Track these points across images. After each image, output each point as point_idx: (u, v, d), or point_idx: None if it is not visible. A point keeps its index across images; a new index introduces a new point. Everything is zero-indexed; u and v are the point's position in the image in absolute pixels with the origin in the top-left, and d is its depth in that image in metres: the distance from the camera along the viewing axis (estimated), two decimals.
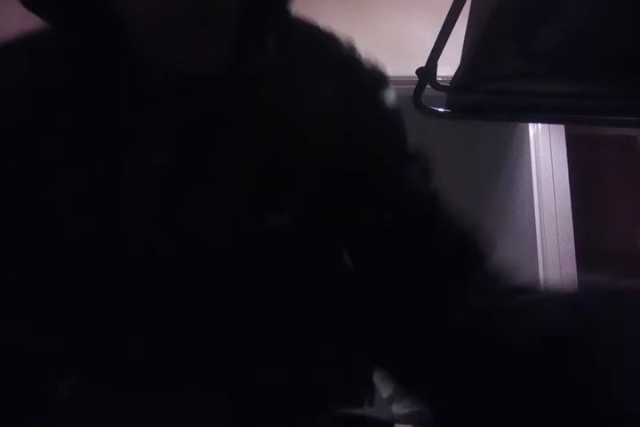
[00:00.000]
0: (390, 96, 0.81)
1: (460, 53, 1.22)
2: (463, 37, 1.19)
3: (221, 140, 0.72)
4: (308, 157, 0.73)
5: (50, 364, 0.69)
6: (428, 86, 1.28)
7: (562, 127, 2.93)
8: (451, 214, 0.77)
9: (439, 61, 1.24)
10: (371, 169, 0.76)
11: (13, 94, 0.75)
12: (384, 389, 0.74)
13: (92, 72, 0.73)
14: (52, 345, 0.69)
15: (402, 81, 0.82)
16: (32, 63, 0.76)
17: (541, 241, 2.87)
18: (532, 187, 2.94)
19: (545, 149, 2.95)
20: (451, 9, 1.14)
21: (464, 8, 1.13)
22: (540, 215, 2.90)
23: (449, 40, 1.19)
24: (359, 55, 0.81)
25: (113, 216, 0.70)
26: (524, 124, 2.96)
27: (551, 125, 2.89)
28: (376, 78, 0.81)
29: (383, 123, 0.79)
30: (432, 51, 1.23)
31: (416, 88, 1.26)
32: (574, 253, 2.85)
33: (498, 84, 1.25)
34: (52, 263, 0.71)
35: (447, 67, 1.25)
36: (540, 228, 2.89)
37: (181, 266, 0.70)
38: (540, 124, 2.91)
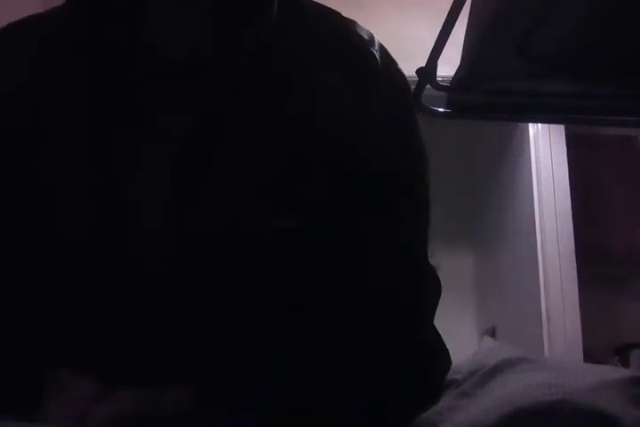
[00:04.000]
0: (406, 98, 0.80)
1: (460, 53, 1.22)
2: (463, 37, 1.19)
3: (228, 139, 0.72)
4: (319, 156, 0.72)
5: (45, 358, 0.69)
6: (428, 86, 1.28)
7: (562, 127, 2.92)
8: None
9: (439, 61, 1.24)
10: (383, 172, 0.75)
11: (22, 80, 0.75)
12: None
13: (99, 56, 0.74)
14: (50, 344, 0.70)
15: None
16: (40, 47, 0.77)
17: (541, 241, 2.87)
18: (532, 187, 2.94)
19: (545, 149, 2.95)
20: (451, 9, 1.14)
21: (464, 8, 1.12)
22: (540, 215, 2.90)
23: (449, 40, 1.19)
24: (378, 52, 0.78)
25: (116, 212, 0.70)
26: (524, 124, 2.96)
27: (551, 125, 2.89)
28: (395, 78, 0.79)
29: (397, 125, 0.77)
30: (432, 51, 1.23)
31: (416, 88, 1.26)
32: (574, 253, 2.85)
33: (498, 84, 1.26)
34: (52, 258, 0.71)
35: (447, 67, 1.25)
36: (540, 228, 2.89)
37: (183, 266, 0.69)
38: (539, 124, 2.91)
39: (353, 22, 0.81)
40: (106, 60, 0.74)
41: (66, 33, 0.77)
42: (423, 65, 1.25)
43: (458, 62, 1.23)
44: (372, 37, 0.79)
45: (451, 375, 0.79)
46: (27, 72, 0.76)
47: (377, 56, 0.77)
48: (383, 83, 0.76)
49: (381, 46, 0.79)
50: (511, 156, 3.21)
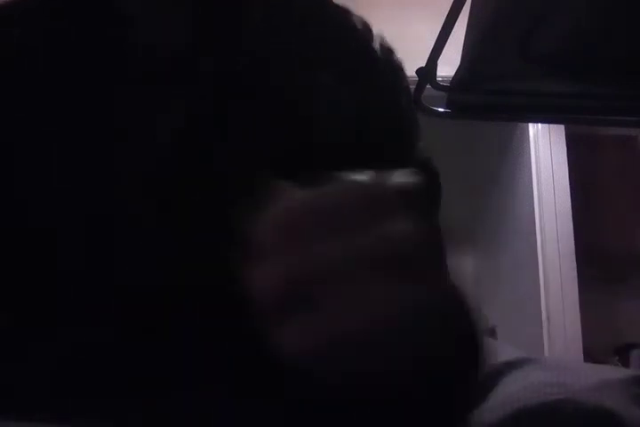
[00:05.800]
0: (406, 90, 0.79)
1: (460, 53, 1.22)
2: (463, 37, 1.19)
3: (228, 139, 0.72)
4: (318, 156, 0.72)
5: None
6: (428, 86, 1.28)
7: (562, 127, 2.92)
8: None
9: (439, 61, 1.24)
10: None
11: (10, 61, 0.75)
12: None
13: (98, 57, 0.74)
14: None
15: None
16: (27, 28, 0.77)
17: (541, 241, 2.87)
18: (532, 187, 2.94)
19: (545, 149, 2.95)
20: (451, 9, 1.14)
21: (464, 8, 1.13)
22: (540, 215, 2.90)
23: (449, 40, 1.19)
24: (374, 42, 0.78)
25: (105, 209, 0.70)
26: (524, 124, 2.96)
27: (551, 125, 2.89)
28: (393, 70, 0.79)
29: (396, 119, 0.77)
30: (432, 51, 1.23)
31: (416, 88, 1.26)
32: (574, 253, 2.85)
33: (498, 84, 1.26)
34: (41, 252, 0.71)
35: (447, 67, 1.25)
36: (540, 227, 2.89)
37: (183, 266, 0.70)
38: (539, 124, 2.91)
39: (346, 11, 0.80)
40: (105, 61, 0.74)
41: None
42: (423, 65, 1.25)
43: (458, 62, 1.23)
44: (366, 26, 0.79)
45: None
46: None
47: (374, 47, 0.77)
48: (381, 76, 0.76)
49: (378, 36, 0.79)
50: (511, 156, 3.21)
